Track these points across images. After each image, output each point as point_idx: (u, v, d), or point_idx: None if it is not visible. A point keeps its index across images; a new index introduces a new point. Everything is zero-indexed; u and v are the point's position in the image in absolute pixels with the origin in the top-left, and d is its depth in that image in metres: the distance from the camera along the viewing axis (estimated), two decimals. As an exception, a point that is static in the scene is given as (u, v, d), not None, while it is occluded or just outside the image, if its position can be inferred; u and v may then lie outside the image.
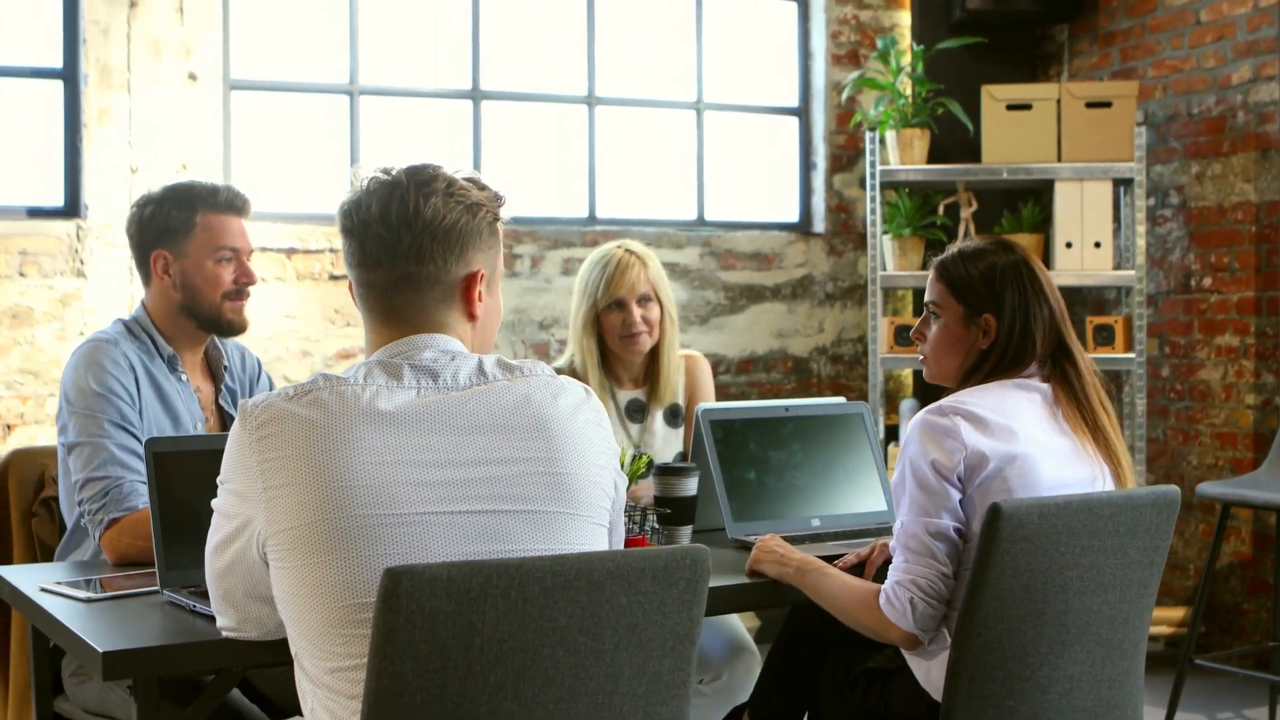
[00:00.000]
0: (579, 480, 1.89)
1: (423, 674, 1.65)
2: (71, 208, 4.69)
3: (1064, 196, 5.17)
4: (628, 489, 2.77)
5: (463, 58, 5.38)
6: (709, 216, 5.80)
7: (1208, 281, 5.30)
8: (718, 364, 5.62)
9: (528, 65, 5.50)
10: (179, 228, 2.85)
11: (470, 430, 1.84)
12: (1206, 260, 5.30)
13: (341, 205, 1.96)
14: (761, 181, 5.97)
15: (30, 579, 2.44)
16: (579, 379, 2.81)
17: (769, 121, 5.99)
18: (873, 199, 5.33)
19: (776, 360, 5.79)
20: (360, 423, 1.80)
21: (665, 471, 2.80)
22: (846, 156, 5.92)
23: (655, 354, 3.43)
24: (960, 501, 2.34)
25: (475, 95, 5.38)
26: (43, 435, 4.51)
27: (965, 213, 5.36)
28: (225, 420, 2.92)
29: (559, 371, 1.99)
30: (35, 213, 4.65)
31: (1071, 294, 5.66)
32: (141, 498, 2.62)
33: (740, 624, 3.33)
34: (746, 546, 2.67)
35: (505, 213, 2.01)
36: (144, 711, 2.03)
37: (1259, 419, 5.11)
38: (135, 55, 4.71)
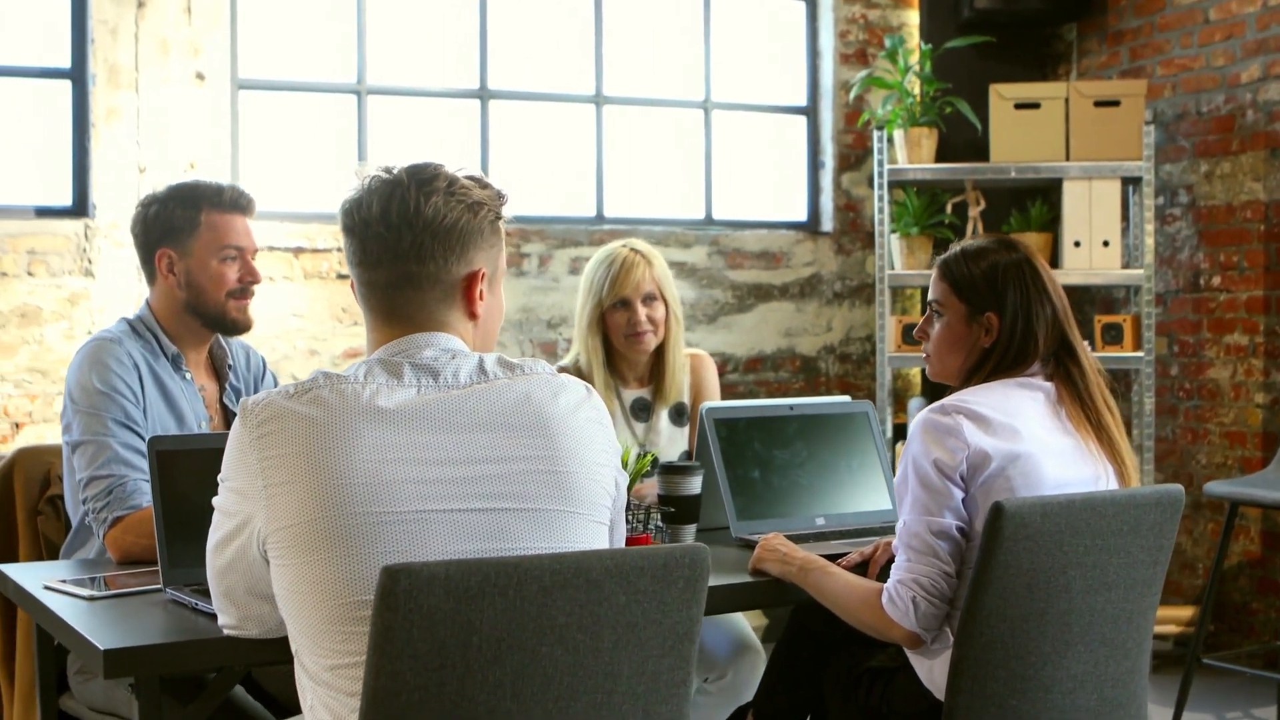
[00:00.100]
0: (579, 478, 1.88)
1: (421, 672, 1.65)
2: (79, 207, 4.70)
3: (1072, 195, 5.16)
4: (632, 488, 2.77)
5: (470, 57, 5.38)
6: (717, 216, 5.80)
7: (1216, 280, 5.28)
8: (726, 363, 5.61)
9: (535, 65, 5.50)
10: (184, 226, 2.86)
11: (471, 428, 1.84)
12: (1215, 259, 5.29)
13: (343, 204, 1.96)
14: (769, 181, 5.96)
15: (34, 577, 2.44)
16: (584, 378, 2.81)
17: (777, 121, 5.98)
18: (881, 198, 5.32)
19: (784, 359, 5.78)
20: (360, 421, 1.80)
21: (669, 470, 2.79)
22: (854, 155, 5.91)
23: (660, 353, 3.43)
24: (963, 500, 2.34)
25: (483, 95, 5.38)
26: (50, 434, 4.52)
27: (973, 212, 5.34)
28: (229, 419, 2.92)
29: (563, 370, 1.99)
30: (43, 212, 4.66)
31: (1080, 293, 5.65)
32: (145, 496, 2.62)
33: (745, 623, 3.33)
34: (751, 545, 2.67)
35: (508, 211, 2.00)
36: (146, 709, 2.03)
37: (1268, 418, 5.10)
38: (143, 55, 4.71)
